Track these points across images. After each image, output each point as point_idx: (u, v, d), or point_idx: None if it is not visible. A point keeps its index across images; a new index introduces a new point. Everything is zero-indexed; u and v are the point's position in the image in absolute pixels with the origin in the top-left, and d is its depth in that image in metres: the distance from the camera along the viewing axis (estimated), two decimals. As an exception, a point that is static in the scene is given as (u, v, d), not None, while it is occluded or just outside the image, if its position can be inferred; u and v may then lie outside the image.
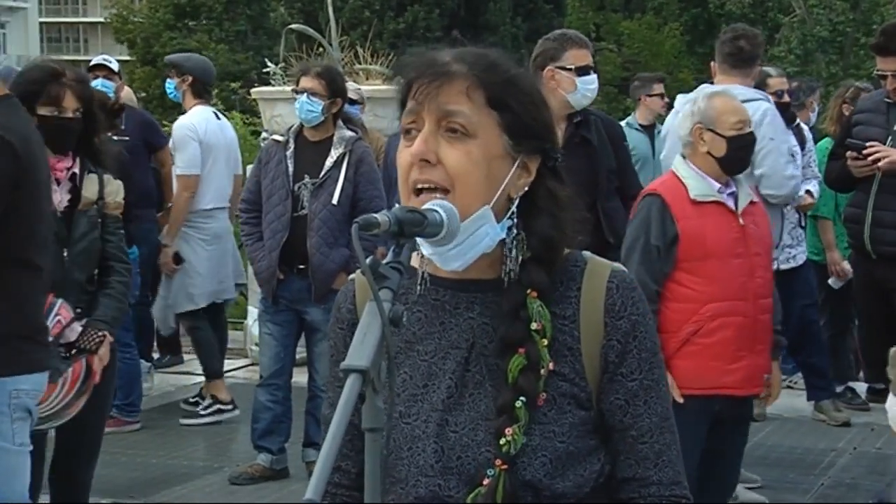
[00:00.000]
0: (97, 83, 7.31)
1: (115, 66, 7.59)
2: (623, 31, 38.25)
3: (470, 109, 1.79)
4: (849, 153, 5.74)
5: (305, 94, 5.80)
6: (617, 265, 1.89)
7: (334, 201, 5.77)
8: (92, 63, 7.57)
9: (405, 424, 1.82)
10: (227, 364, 8.55)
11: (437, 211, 1.74)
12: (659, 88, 8.83)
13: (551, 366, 1.80)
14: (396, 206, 1.74)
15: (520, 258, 1.82)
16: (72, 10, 67.66)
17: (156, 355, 8.33)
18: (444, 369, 1.84)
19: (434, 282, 1.86)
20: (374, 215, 1.66)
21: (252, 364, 8.15)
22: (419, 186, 1.78)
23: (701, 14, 36.77)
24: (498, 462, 1.77)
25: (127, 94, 7.85)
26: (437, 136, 1.78)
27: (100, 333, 4.19)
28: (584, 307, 1.83)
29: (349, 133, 5.91)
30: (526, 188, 1.83)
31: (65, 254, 4.21)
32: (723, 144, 4.27)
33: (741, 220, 4.27)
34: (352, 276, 1.96)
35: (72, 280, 4.23)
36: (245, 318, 8.77)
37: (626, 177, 5.31)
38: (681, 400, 4.07)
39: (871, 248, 5.74)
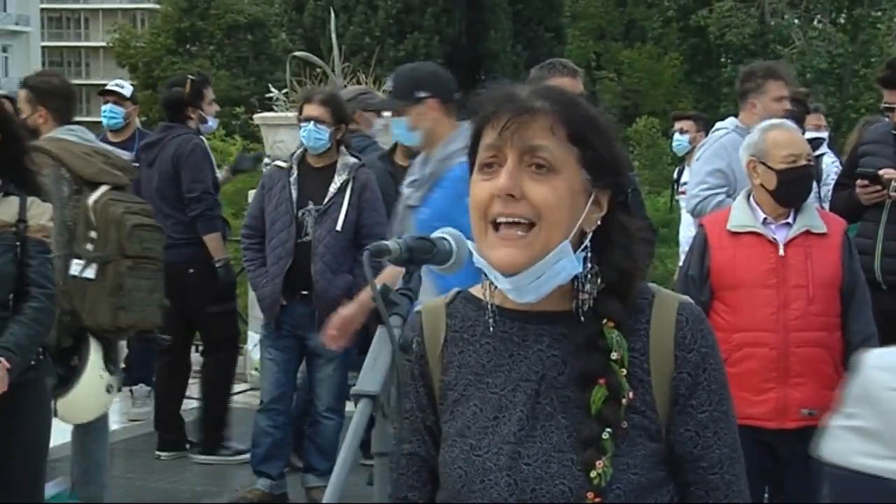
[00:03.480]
0: (106, 108, 7.35)
1: (126, 92, 7.60)
2: (623, 60, 38.42)
3: (554, 145, 1.79)
4: (858, 181, 5.76)
5: (312, 122, 5.80)
6: (685, 298, 1.90)
7: (338, 227, 5.78)
8: (103, 88, 7.61)
9: (476, 457, 1.82)
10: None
11: (446, 239, 1.75)
12: None
13: (631, 395, 1.80)
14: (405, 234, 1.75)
15: (595, 291, 1.83)
16: (74, 34, 67.89)
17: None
18: (514, 402, 1.84)
19: (501, 314, 1.87)
20: (385, 242, 1.67)
21: (252, 389, 8.13)
22: (501, 220, 1.78)
23: (700, 44, 36.93)
24: (590, 496, 1.76)
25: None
26: (521, 171, 1.79)
27: None
28: (654, 340, 1.84)
29: (352, 159, 5.92)
30: (598, 222, 1.84)
31: None
32: (773, 178, 4.27)
33: (782, 251, 4.25)
34: (418, 308, 1.93)
35: None
36: (245, 342, 8.77)
37: None
38: None
39: (882, 279, 5.73)
